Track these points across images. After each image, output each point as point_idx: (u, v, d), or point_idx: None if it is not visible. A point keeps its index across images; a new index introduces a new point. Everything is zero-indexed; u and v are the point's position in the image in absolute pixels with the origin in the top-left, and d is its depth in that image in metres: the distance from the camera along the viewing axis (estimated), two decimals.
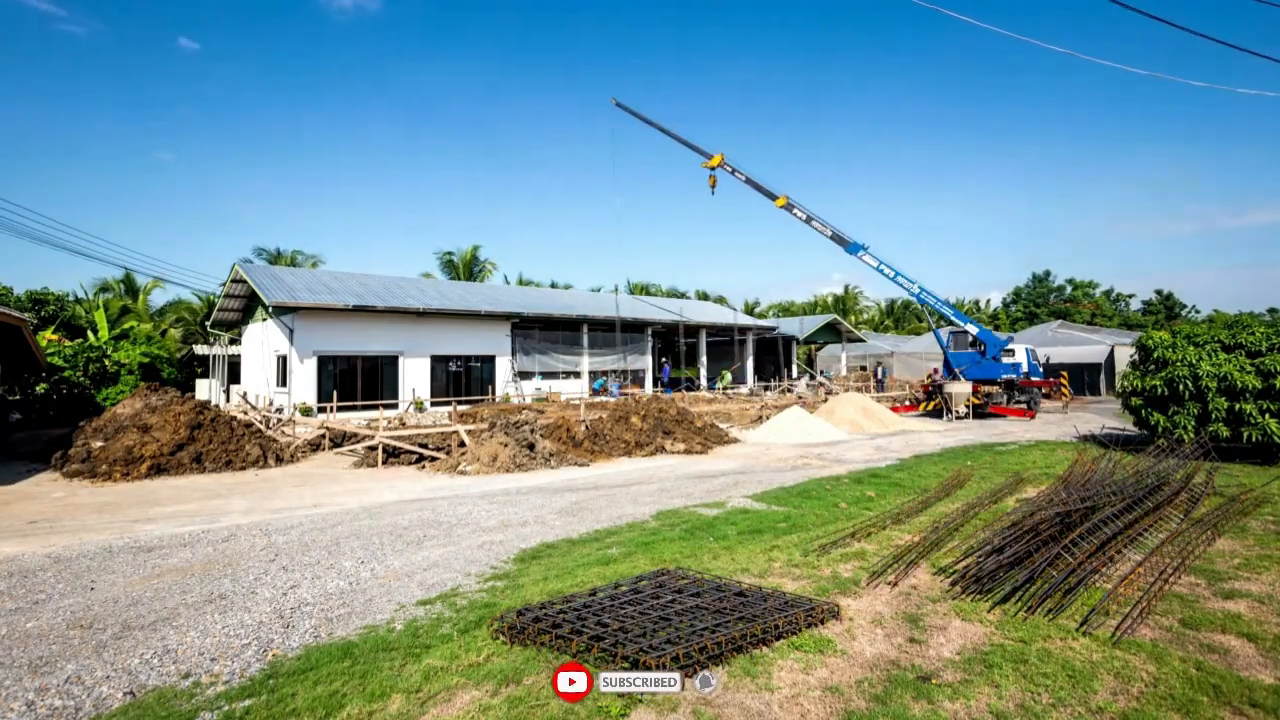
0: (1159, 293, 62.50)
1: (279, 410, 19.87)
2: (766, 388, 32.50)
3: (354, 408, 21.51)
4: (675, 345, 36.57)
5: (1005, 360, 22.96)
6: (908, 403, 25.83)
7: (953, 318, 23.29)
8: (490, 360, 26.48)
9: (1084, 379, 34.99)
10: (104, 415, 14.18)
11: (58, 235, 77.65)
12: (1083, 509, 7.11)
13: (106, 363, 21.59)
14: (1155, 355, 12.80)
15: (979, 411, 22.01)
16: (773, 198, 22.76)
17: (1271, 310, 59.45)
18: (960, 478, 9.88)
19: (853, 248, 22.27)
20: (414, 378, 24.24)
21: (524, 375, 27.04)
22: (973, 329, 23.04)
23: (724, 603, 4.46)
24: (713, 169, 23.10)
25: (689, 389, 31.46)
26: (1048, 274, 67.01)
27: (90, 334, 26.21)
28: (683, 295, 54.95)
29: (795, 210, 22.62)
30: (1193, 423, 11.74)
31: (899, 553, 5.94)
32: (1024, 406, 22.68)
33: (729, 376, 35.56)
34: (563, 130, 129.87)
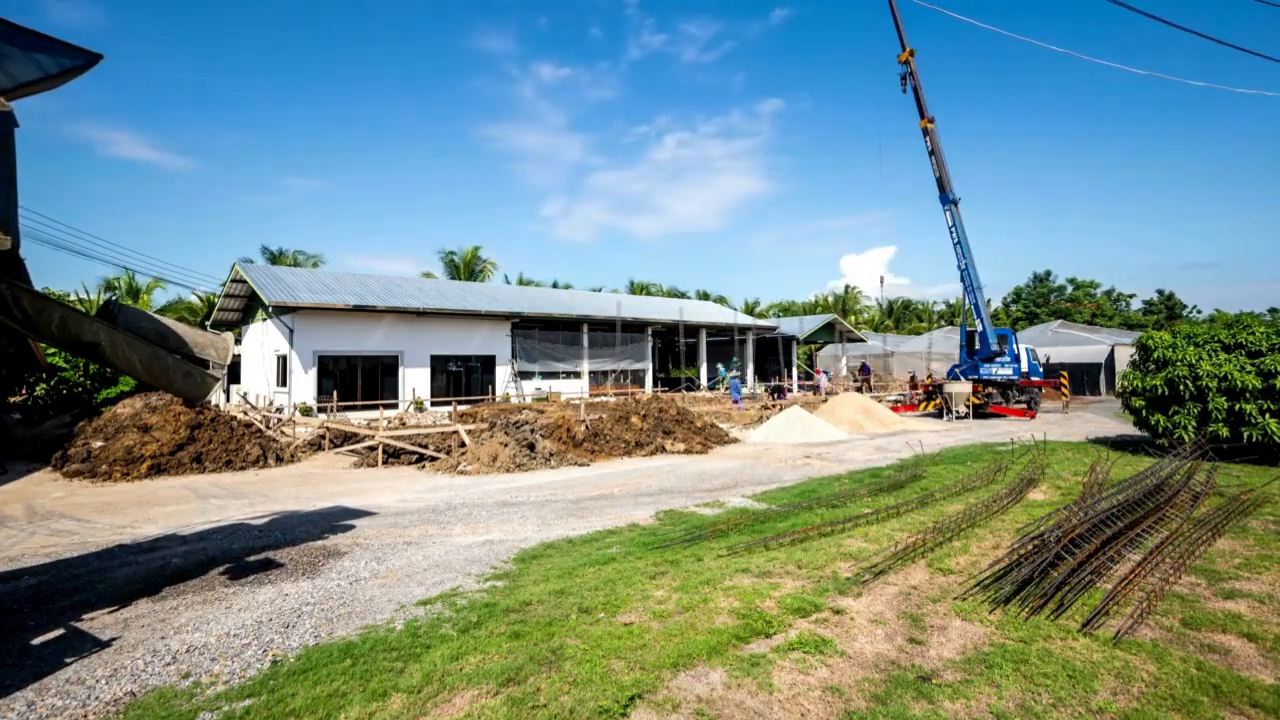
0: (1160, 293, 62.50)
1: (279, 410, 19.87)
2: (767, 388, 32.50)
3: (354, 408, 21.52)
4: (675, 345, 36.59)
5: (1001, 361, 22.85)
6: (908, 402, 25.84)
7: (978, 311, 22.57)
8: (490, 360, 26.47)
9: (1084, 379, 34.98)
10: (104, 415, 14.18)
11: (58, 235, 77.55)
12: (1083, 509, 7.11)
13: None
14: (1156, 355, 12.79)
15: (979, 411, 22.00)
16: (922, 114, 22.47)
17: (1272, 310, 59.43)
18: (966, 482, 9.87)
19: (945, 197, 22.16)
20: (414, 378, 24.24)
21: (524, 375, 27.03)
22: (978, 325, 22.53)
23: None
24: (903, 64, 22.21)
25: (689, 389, 31.46)
26: (1048, 274, 66.99)
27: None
28: (683, 295, 54.93)
29: (929, 138, 22.31)
30: (1193, 423, 11.73)
31: (899, 552, 5.94)
32: (1024, 406, 22.67)
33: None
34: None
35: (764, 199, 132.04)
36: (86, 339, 4.74)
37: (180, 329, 5.52)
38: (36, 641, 4.42)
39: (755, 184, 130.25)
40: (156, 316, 5.50)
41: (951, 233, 22.20)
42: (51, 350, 20.58)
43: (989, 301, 65.77)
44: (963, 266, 22.18)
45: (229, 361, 5.86)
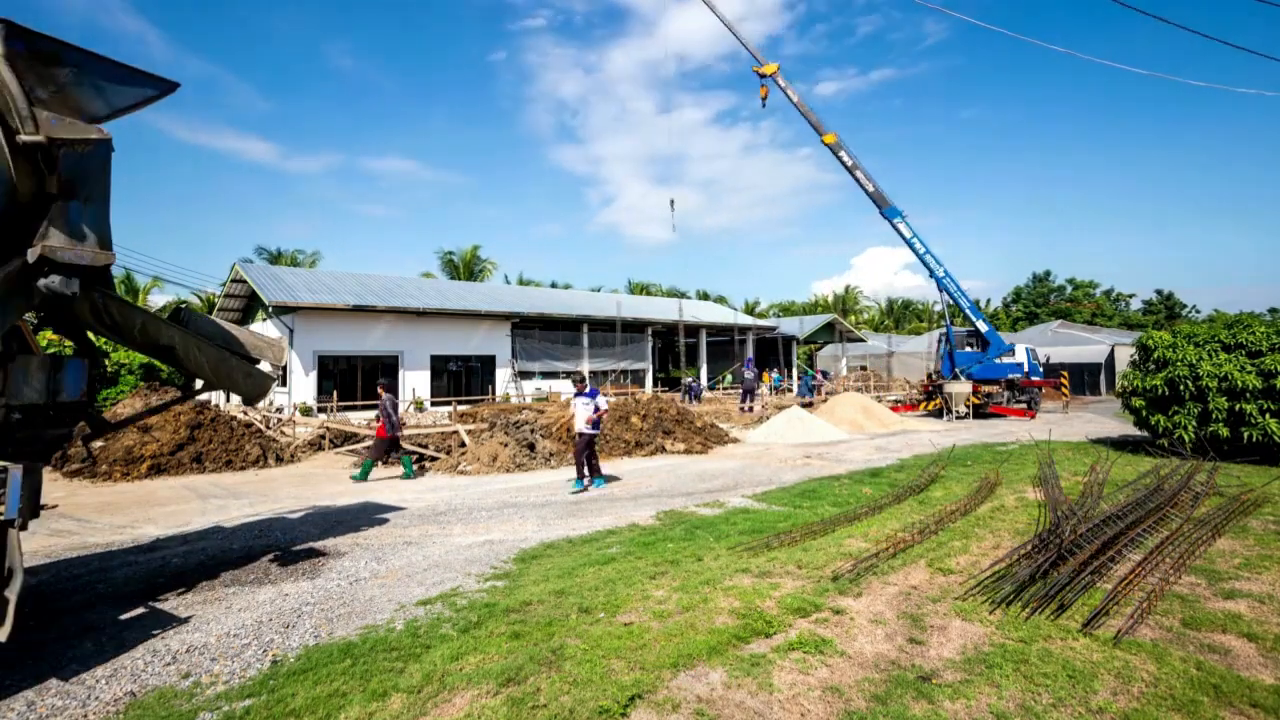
0: (1159, 293, 62.51)
1: (279, 410, 19.87)
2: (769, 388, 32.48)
3: (354, 407, 21.52)
4: (675, 345, 36.65)
5: (1006, 361, 22.88)
6: (908, 402, 25.86)
7: (968, 311, 22.56)
8: (490, 360, 26.48)
9: (1084, 379, 34.99)
10: (104, 415, 14.18)
11: None
12: (1083, 509, 7.12)
13: (106, 363, 21.59)
14: (1156, 355, 12.79)
15: (979, 411, 22.01)
16: (820, 132, 21.31)
17: (1272, 310, 59.44)
18: (980, 484, 9.86)
19: (890, 211, 21.41)
20: (414, 378, 24.24)
21: (524, 375, 27.04)
22: (983, 325, 22.46)
23: None
24: (764, 77, 21.43)
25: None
26: (1048, 274, 67.03)
27: (90, 334, 26.15)
28: (683, 295, 54.93)
29: (842, 153, 21.34)
30: (1193, 423, 11.73)
31: (899, 551, 5.94)
32: (1024, 406, 22.69)
33: (730, 377, 35.58)
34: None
35: (822, 189, 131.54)
36: (164, 342, 5.28)
37: (239, 333, 5.91)
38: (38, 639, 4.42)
39: (819, 175, 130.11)
40: (219, 322, 5.85)
41: (912, 245, 21.67)
42: (51, 350, 20.59)
43: (989, 301, 65.94)
44: (941, 276, 21.96)
45: (283, 363, 6.37)
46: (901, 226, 21.60)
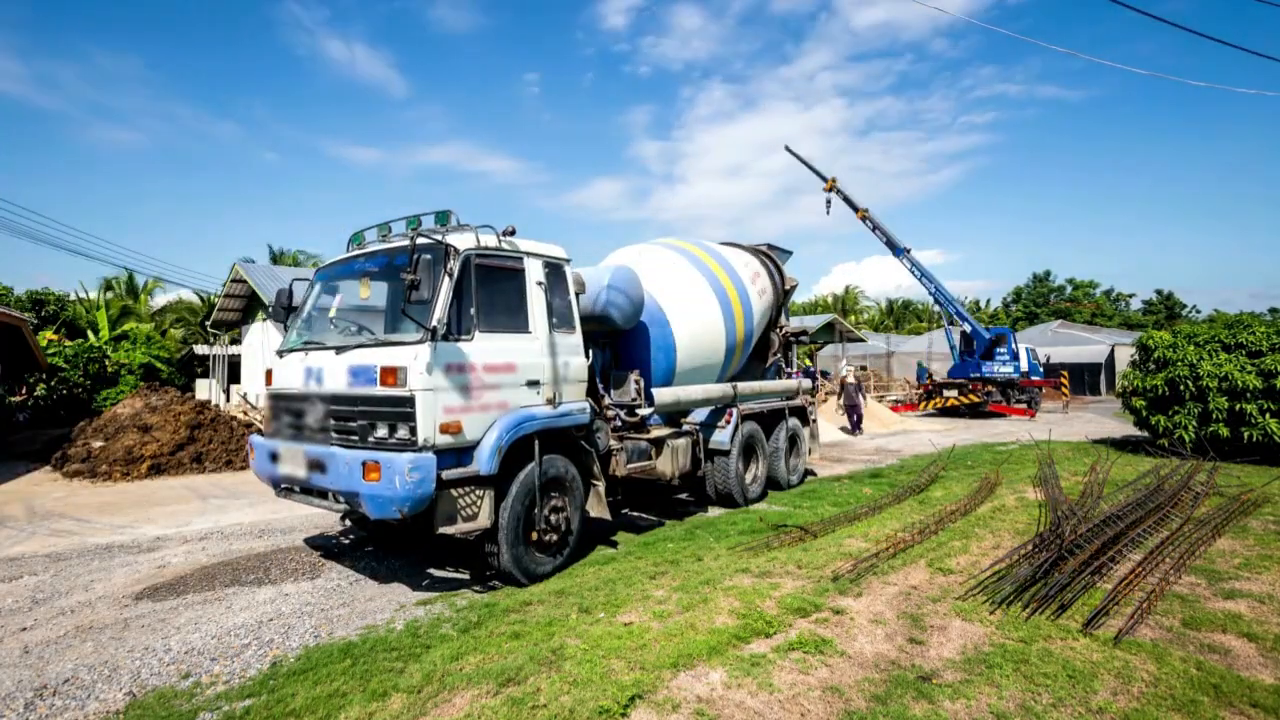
0: (1159, 293, 62.49)
1: None
2: None
3: None
4: None
5: (1001, 358, 23.18)
6: (908, 402, 25.88)
7: (957, 315, 23.66)
8: None
9: (1084, 379, 34.99)
10: (104, 415, 14.17)
11: (58, 235, 77.60)
12: (1083, 509, 7.12)
13: (107, 363, 21.55)
14: (1156, 355, 12.79)
15: (979, 410, 22.06)
16: (856, 210, 22.58)
17: (1272, 310, 59.40)
18: (976, 484, 9.85)
19: (899, 251, 22.69)
20: None
21: None
22: (966, 328, 23.57)
23: None
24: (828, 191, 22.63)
25: None
26: (1048, 274, 66.97)
27: (90, 334, 26.15)
28: None
29: (870, 219, 22.53)
30: (1194, 423, 11.73)
31: (899, 552, 5.94)
32: (1024, 406, 22.72)
33: None
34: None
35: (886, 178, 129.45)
36: None
37: None
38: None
39: (885, 164, 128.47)
40: None
41: (913, 273, 23.00)
42: (52, 350, 20.60)
43: (989, 302, 65.94)
44: (933, 290, 23.19)
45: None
46: (911, 261, 22.69)
